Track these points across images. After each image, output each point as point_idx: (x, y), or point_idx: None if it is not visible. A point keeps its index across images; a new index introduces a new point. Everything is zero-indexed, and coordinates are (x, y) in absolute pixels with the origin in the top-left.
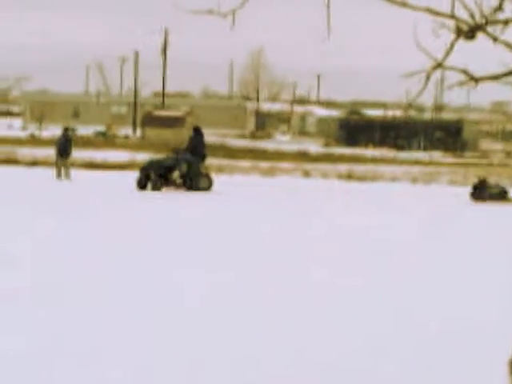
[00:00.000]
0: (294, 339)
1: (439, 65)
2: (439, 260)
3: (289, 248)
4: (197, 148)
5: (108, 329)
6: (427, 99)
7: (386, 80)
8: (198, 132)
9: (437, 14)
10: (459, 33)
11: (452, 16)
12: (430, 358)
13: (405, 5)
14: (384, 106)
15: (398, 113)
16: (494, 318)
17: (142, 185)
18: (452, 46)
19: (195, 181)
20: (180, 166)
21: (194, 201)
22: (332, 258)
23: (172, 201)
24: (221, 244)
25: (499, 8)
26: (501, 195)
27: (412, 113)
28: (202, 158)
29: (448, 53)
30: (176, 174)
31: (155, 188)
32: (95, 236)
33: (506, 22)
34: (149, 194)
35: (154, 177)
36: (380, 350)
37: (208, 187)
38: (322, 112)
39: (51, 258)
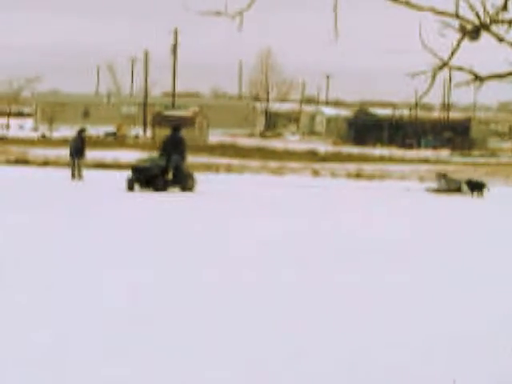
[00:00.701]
0: (295, 337)
1: (445, 64)
2: (441, 259)
3: (291, 247)
4: (176, 148)
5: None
6: (435, 98)
7: (395, 80)
8: (177, 132)
9: (441, 13)
10: (464, 32)
11: (457, 16)
12: (431, 358)
13: (409, 4)
14: (392, 105)
15: (406, 112)
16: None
17: (131, 185)
18: (458, 45)
19: (184, 181)
20: (171, 166)
21: (197, 200)
22: (333, 256)
23: (165, 201)
24: (222, 243)
25: (504, 8)
26: (459, 188)
27: (420, 112)
28: (182, 158)
29: (454, 52)
30: (170, 174)
31: (158, 189)
32: (91, 235)
33: (510, 22)
34: (153, 194)
35: (160, 177)
36: (378, 350)
37: (193, 187)
38: (330, 112)
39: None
